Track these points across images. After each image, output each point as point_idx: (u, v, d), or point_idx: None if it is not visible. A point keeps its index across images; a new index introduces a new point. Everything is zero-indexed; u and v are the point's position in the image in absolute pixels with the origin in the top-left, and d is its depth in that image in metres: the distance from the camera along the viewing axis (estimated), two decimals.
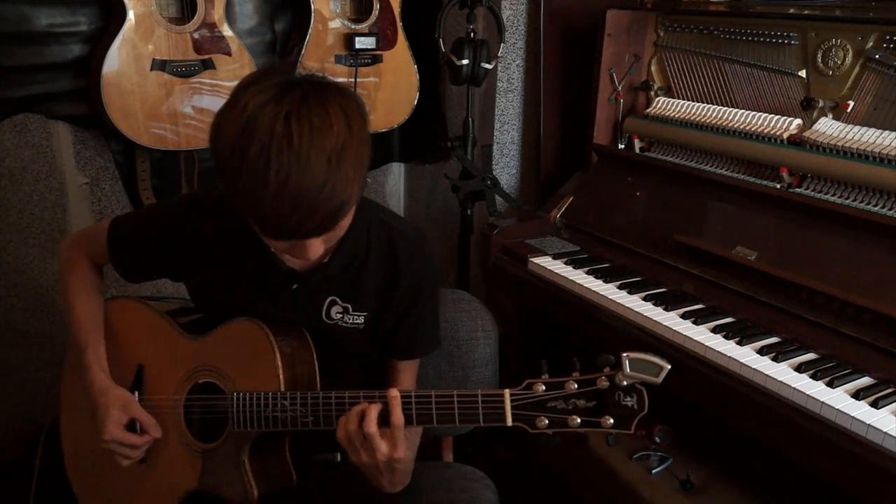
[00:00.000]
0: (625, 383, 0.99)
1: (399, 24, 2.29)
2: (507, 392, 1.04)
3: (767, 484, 1.60)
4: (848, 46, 1.68)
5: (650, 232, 1.86)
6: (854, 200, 1.60)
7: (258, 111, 0.93)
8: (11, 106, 1.98)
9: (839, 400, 1.26)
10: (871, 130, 1.60)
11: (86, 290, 1.34)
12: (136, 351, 1.31)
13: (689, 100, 2.02)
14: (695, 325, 1.54)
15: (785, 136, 1.75)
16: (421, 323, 1.28)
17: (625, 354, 0.98)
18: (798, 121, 1.76)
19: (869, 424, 1.19)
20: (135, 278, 1.35)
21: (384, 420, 1.07)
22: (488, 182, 2.04)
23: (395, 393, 1.07)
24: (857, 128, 1.63)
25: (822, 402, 1.26)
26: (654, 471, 1.68)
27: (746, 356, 1.41)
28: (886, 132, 1.57)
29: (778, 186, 1.73)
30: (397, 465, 1.08)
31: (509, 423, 1.03)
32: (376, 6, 2.23)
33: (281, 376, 1.15)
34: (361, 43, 2.22)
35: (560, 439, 1.02)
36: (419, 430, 1.26)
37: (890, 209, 1.54)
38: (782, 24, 1.80)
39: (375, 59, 2.29)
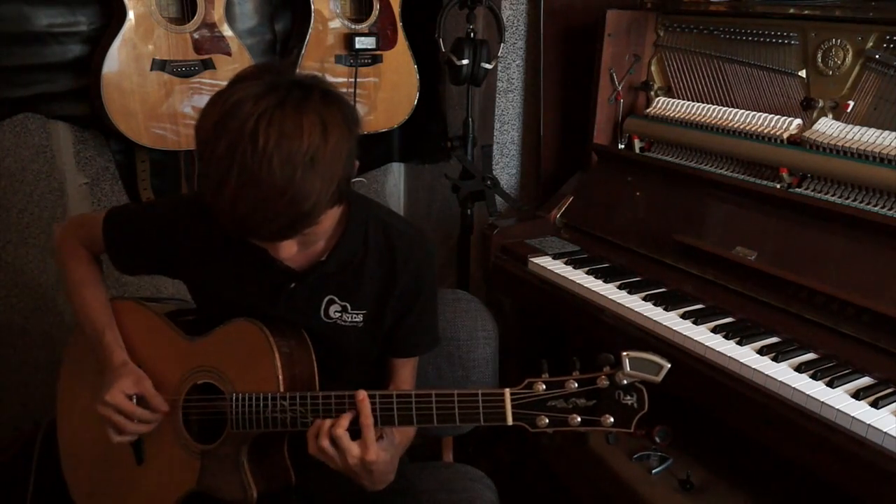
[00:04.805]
0: (625, 382, 0.99)
1: (399, 24, 2.29)
2: (507, 391, 1.04)
3: (767, 484, 1.59)
4: (848, 46, 1.68)
5: (650, 232, 1.86)
6: (854, 200, 1.60)
7: (235, 108, 0.93)
8: (11, 106, 1.99)
9: (839, 400, 1.26)
10: (871, 130, 1.60)
11: (92, 282, 1.34)
12: (134, 352, 1.30)
13: (689, 100, 2.02)
14: (695, 325, 1.54)
15: (785, 136, 1.75)
16: (420, 321, 1.27)
17: (625, 353, 0.98)
18: (798, 121, 1.76)
19: (869, 424, 1.19)
20: (129, 271, 1.35)
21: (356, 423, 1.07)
22: (488, 182, 2.04)
23: (362, 395, 1.07)
24: (857, 128, 1.63)
25: (822, 402, 1.26)
26: (654, 471, 1.67)
27: (746, 356, 1.41)
28: (886, 132, 1.57)
29: (778, 186, 1.72)
30: (372, 467, 1.08)
31: (510, 422, 1.03)
32: (376, 6, 2.23)
33: (280, 377, 1.14)
34: (361, 43, 2.22)
35: (560, 438, 1.02)
36: (404, 429, 1.26)
37: (890, 209, 1.54)
38: (782, 24, 1.80)
39: (375, 59, 2.29)
